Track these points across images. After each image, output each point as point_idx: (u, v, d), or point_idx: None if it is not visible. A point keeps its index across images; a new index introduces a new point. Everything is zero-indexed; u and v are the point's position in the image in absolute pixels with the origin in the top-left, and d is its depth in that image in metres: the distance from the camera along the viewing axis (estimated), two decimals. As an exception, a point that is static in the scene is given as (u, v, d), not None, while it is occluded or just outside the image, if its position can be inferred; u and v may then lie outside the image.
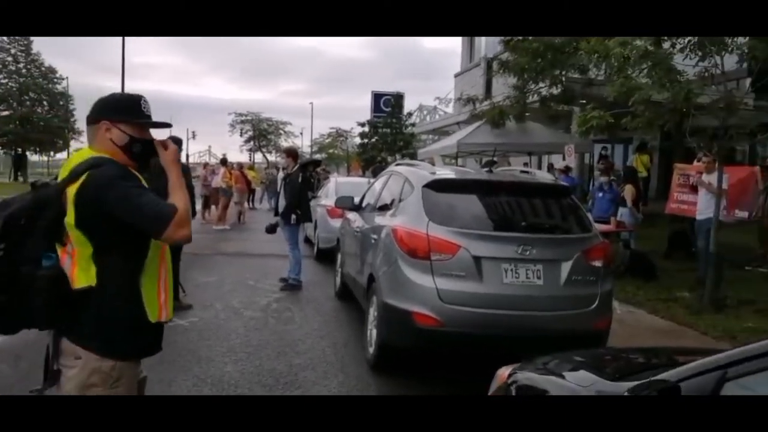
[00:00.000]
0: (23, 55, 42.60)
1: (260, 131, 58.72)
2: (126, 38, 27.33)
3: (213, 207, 16.33)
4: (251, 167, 28.15)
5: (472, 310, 4.23)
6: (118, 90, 27.80)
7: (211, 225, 15.02)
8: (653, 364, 2.46)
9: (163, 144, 2.21)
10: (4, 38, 40.89)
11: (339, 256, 7.43)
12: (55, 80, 44.91)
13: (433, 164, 9.37)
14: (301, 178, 7.95)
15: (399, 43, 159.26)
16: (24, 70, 42.91)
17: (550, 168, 15.94)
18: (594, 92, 11.32)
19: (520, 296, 4.32)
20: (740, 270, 8.90)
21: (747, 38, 6.55)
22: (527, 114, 13.25)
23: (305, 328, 6.06)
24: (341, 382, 4.62)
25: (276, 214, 8.40)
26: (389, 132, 31.22)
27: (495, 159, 11.86)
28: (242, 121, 58.11)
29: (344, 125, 64.19)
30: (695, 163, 9.32)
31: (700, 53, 6.75)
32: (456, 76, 25.46)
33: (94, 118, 2.15)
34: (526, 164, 15.52)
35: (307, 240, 10.79)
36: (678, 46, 6.90)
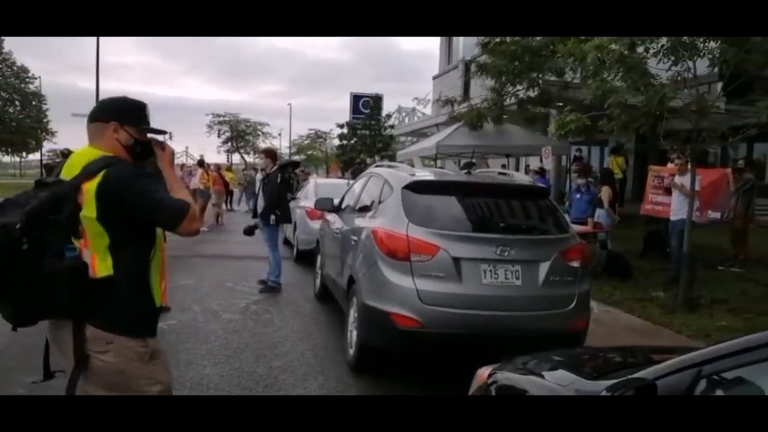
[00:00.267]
0: (-6, 54, 41.78)
1: (238, 132, 58.30)
2: (100, 38, 26.92)
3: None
4: (229, 168, 27.94)
5: (452, 310, 4.25)
6: (93, 89, 27.51)
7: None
8: (630, 362, 2.51)
9: (161, 146, 2.41)
10: (-26, 38, 40.09)
11: (319, 258, 7.42)
12: (28, 80, 44.08)
13: (413, 166, 9.39)
14: (280, 179, 7.91)
15: (376, 45, 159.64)
16: (-5, 70, 42.08)
17: (527, 170, 16.12)
18: (570, 95, 11.46)
19: (499, 297, 4.36)
20: (713, 270, 9.08)
21: (718, 43, 6.70)
22: (505, 116, 13.35)
23: (285, 330, 6.04)
24: (321, 384, 4.61)
25: (254, 215, 8.34)
26: (368, 133, 31.23)
27: (473, 161, 11.95)
28: (220, 122, 57.63)
29: (323, 126, 64.23)
30: (669, 165, 9.49)
31: (673, 57, 6.87)
32: (434, 78, 25.57)
33: (104, 118, 2.31)
34: (504, 166, 15.65)
35: (287, 242, 10.74)
36: (652, 51, 7.01)
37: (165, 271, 2.37)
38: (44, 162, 38.99)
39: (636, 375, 1.89)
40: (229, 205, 21.62)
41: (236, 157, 59.01)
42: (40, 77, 44.87)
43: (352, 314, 4.98)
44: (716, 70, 7.43)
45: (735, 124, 8.02)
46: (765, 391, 1.67)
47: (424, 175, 5.31)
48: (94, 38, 27.15)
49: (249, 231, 8.27)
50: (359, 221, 5.37)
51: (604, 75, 7.25)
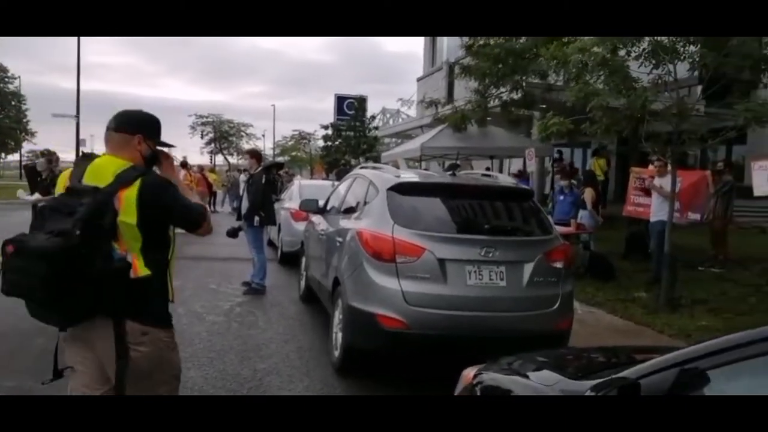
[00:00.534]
0: (-29, 53, 41.14)
1: (221, 133, 57.92)
2: (82, 38, 26.62)
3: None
4: (212, 170, 27.77)
5: (437, 311, 4.27)
6: (74, 90, 27.20)
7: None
8: (614, 362, 2.53)
9: (166, 156, 2.68)
10: (-48, 36, 39.37)
11: (303, 260, 7.40)
12: (7, 79, 43.46)
13: (398, 167, 9.41)
14: (265, 180, 7.88)
15: (360, 47, 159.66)
16: (-28, 69, 41.45)
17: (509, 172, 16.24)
18: (553, 97, 11.57)
19: (484, 298, 4.38)
20: (693, 270, 9.21)
21: (698, 47, 6.80)
22: (489, 118, 13.43)
23: (269, 332, 6.01)
24: (307, 386, 4.60)
25: (239, 217, 8.30)
26: (353, 135, 31.21)
27: (458, 162, 12.00)
28: (203, 123, 57.22)
29: (307, 128, 63.88)
30: (650, 167, 9.61)
31: (654, 61, 6.97)
32: (419, 80, 25.64)
33: (131, 131, 2.52)
34: (488, 168, 15.74)
35: (271, 243, 10.70)
36: (633, 54, 7.10)
37: (173, 271, 2.62)
38: (24, 163, 38.45)
39: (619, 375, 1.92)
40: (212, 207, 21.47)
41: (219, 159, 58.66)
42: (19, 77, 44.32)
43: (338, 316, 4.97)
44: (696, 73, 7.55)
45: (714, 126, 8.14)
46: (744, 390, 1.70)
47: (410, 176, 5.33)
48: (75, 38, 26.85)
49: (233, 233, 8.20)
50: (344, 223, 5.37)
51: (586, 78, 7.32)
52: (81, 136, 28.73)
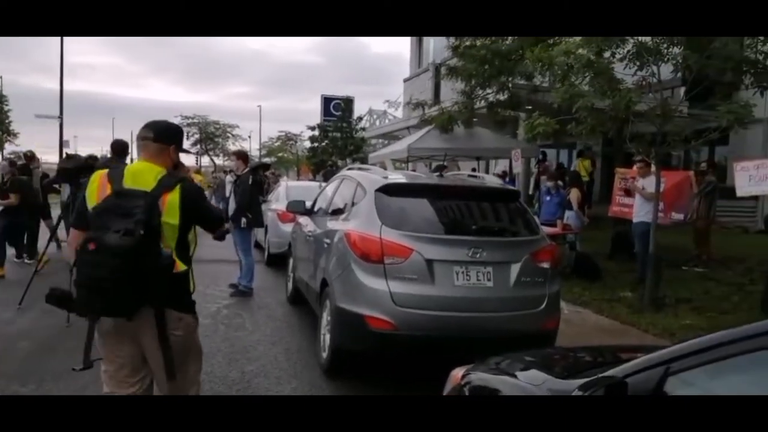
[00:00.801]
0: (-48, 52, 40.48)
1: (207, 134, 57.52)
2: (65, 38, 26.33)
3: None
4: (198, 171, 27.55)
5: (425, 312, 4.28)
6: (57, 90, 26.86)
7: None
8: (600, 361, 2.56)
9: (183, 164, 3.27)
10: (-68, 35, 38.75)
11: (291, 261, 7.38)
12: (-12, 80, 42.80)
13: (385, 168, 9.42)
14: (252, 181, 7.85)
15: (347, 48, 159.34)
16: (-47, 69, 40.79)
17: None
18: (539, 99, 11.63)
19: (472, 298, 4.40)
20: (677, 270, 9.32)
21: (681, 49, 6.89)
22: (475, 119, 13.47)
23: (257, 334, 5.99)
24: (295, 387, 4.60)
25: (226, 219, 8.26)
26: (339, 136, 31.16)
27: (445, 163, 12.03)
28: (188, 124, 56.72)
29: (293, 129, 63.76)
30: (635, 167, 9.72)
31: (638, 63, 7.05)
32: (405, 81, 25.65)
33: (167, 141, 2.86)
34: (474, 169, 15.79)
35: (257, 245, 10.66)
36: (618, 56, 7.17)
37: None
38: (6, 164, 37.76)
39: (606, 373, 1.94)
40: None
41: (205, 160, 58.29)
42: (1, 77, 43.68)
43: (325, 317, 4.97)
44: (679, 75, 7.63)
45: (697, 127, 8.25)
46: (728, 387, 1.73)
47: (397, 177, 5.34)
48: (58, 38, 26.55)
49: (220, 235, 8.13)
50: (332, 224, 5.36)
51: (572, 79, 7.38)
52: (64, 137, 28.38)
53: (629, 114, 6.90)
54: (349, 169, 6.80)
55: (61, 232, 8.76)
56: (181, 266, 2.70)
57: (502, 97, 12.37)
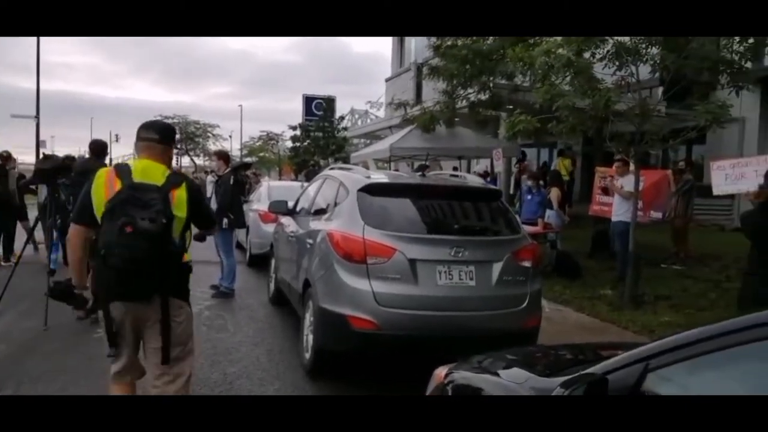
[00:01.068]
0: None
1: (187, 134, 56.90)
2: (41, 37, 25.91)
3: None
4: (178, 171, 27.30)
5: (408, 312, 4.29)
6: (33, 90, 26.47)
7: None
8: (581, 359, 2.58)
9: None
10: None
11: (273, 262, 7.34)
12: (-38, 79, 41.98)
13: (367, 168, 9.42)
14: (233, 181, 7.80)
15: (328, 47, 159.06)
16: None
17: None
18: (520, 98, 11.70)
19: (454, 297, 4.42)
20: (656, 267, 9.44)
21: (659, 49, 6.98)
22: (456, 119, 13.53)
23: (239, 335, 5.96)
24: (277, 389, 4.58)
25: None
26: (321, 136, 31.06)
27: (427, 163, 12.05)
28: (169, 124, 56.15)
29: (275, 128, 63.29)
30: (614, 166, 9.82)
31: (617, 62, 7.13)
32: (387, 80, 25.65)
33: (171, 143, 3.17)
34: (456, 168, 15.85)
35: (239, 245, 10.59)
36: (597, 56, 7.25)
37: None
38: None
39: (587, 371, 1.96)
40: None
41: (186, 160, 57.73)
42: (-25, 77, 42.86)
43: (308, 318, 4.96)
44: (657, 75, 7.74)
45: (675, 127, 8.36)
46: (705, 383, 1.76)
47: (380, 177, 5.34)
48: (35, 38, 26.11)
49: (200, 236, 8.06)
50: (314, 224, 5.35)
51: (552, 79, 7.44)
52: (41, 137, 27.93)
53: (609, 113, 6.98)
54: (332, 168, 6.79)
55: (38, 233, 8.64)
56: (187, 256, 2.99)
57: (483, 96, 12.43)
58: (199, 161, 55.12)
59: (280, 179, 27.62)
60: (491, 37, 11.23)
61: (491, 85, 12.15)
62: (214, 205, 7.82)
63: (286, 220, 6.71)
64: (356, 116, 30.90)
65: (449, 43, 12.13)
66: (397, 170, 12.91)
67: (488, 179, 13.42)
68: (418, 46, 21.08)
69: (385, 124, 18.90)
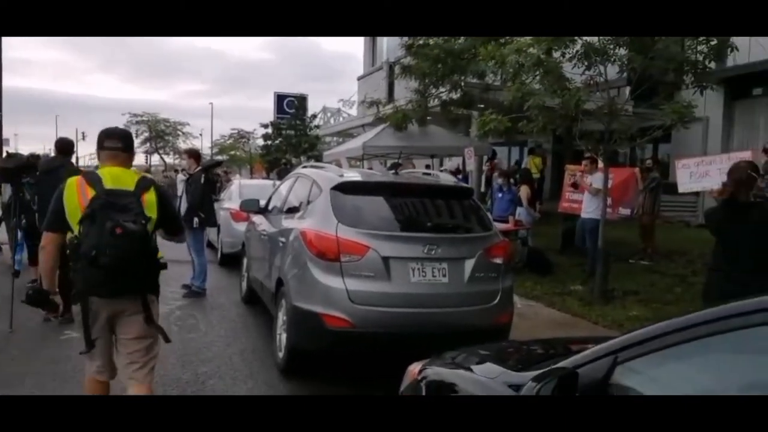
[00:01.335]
0: None
1: (157, 132, 56.02)
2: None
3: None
4: (148, 170, 26.92)
5: (382, 309, 4.30)
6: (-4, 87, 25.69)
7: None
8: (552, 353, 2.62)
9: None
10: None
11: (245, 261, 7.29)
12: None
13: (340, 166, 9.40)
14: (204, 180, 7.71)
15: (299, 45, 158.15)
16: None
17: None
18: (491, 97, 11.82)
19: (427, 294, 4.45)
20: (625, 263, 9.62)
21: (626, 50, 7.11)
22: (429, 118, 13.59)
23: (211, 335, 5.90)
24: (250, 388, 4.55)
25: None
26: (293, 134, 30.86)
27: (400, 161, 12.08)
28: (137, 122, 55.13)
29: (246, 126, 62.73)
30: (583, 164, 9.99)
31: (586, 62, 7.24)
32: (359, 79, 25.63)
33: (132, 150, 3.35)
34: (428, 166, 15.92)
35: (210, 245, 10.47)
36: (567, 55, 7.36)
37: None
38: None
39: (558, 365, 1.99)
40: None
41: (155, 158, 56.84)
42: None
43: (281, 317, 4.93)
44: (625, 75, 7.88)
45: (642, 126, 8.54)
46: (670, 374, 1.81)
47: (353, 175, 5.34)
48: (-3, 31, 25.42)
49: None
50: (287, 223, 5.33)
51: (523, 78, 7.53)
52: (4, 135, 27.20)
53: (578, 112, 7.09)
54: (304, 167, 6.76)
55: (2, 234, 8.42)
56: (161, 254, 3.15)
57: (455, 95, 12.52)
58: (169, 159, 54.34)
59: (251, 177, 27.39)
60: (463, 37, 11.30)
61: (463, 84, 12.24)
62: (185, 204, 7.73)
63: (257, 218, 6.67)
64: (329, 114, 30.81)
65: (421, 42, 12.18)
66: (370, 168, 12.91)
67: (460, 177, 13.52)
68: (389, 44, 21.12)
69: (358, 123, 18.90)
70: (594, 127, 7.94)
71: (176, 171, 23.55)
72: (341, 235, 4.38)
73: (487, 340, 3.43)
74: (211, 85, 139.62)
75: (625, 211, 9.70)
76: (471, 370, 2.52)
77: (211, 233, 10.31)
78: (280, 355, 4.88)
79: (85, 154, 53.82)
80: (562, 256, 10.42)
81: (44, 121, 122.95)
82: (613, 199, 8.90)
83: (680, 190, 7.28)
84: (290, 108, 31.49)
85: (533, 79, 7.56)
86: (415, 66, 12.19)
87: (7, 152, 12.83)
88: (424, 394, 2.64)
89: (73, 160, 7.05)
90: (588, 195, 8.81)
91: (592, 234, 8.34)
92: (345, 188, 4.79)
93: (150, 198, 3.09)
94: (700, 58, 7.27)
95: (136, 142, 56.71)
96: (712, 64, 7.62)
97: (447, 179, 6.01)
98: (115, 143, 3.21)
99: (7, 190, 7.72)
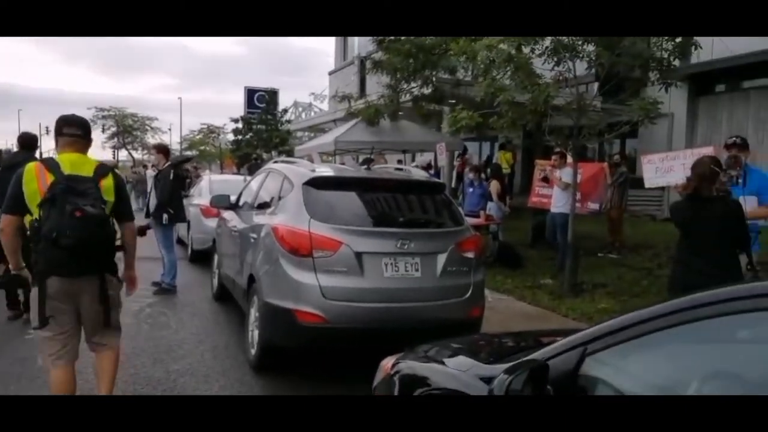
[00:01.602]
0: None
1: (125, 127, 54.98)
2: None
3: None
4: (115, 165, 26.40)
5: (355, 305, 4.31)
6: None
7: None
8: (523, 346, 2.66)
9: None
10: None
11: (216, 257, 7.22)
12: None
13: (312, 161, 9.35)
14: (173, 176, 7.60)
15: (269, 40, 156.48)
16: None
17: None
18: (462, 92, 11.88)
19: (400, 289, 4.47)
20: (593, 257, 9.80)
21: (595, 46, 7.22)
22: (400, 113, 13.61)
23: (182, 332, 5.83)
24: (223, 385, 4.52)
25: (147, 215, 7.97)
26: (264, 128, 30.55)
27: (372, 157, 12.09)
28: (104, 117, 53.99)
29: (216, 121, 61.99)
30: (552, 159, 10.12)
31: (555, 58, 7.33)
32: (330, 73, 25.56)
33: (90, 136, 3.53)
34: (400, 161, 15.95)
35: (180, 241, 10.34)
36: (537, 51, 7.44)
37: None
38: None
39: (529, 357, 2.03)
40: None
41: (123, 154, 55.78)
42: None
43: (253, 313, 4.90)
44: (593, 71, 8.00)
45: (610, 121, 8.68)
46: (636, 364, 1.85)
47: (325, 171, 5.32)
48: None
49: (140, 231, 7.82)
50: (258, 218, 5.29)
51: (493, 74, 7.58)
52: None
53: (548, 108, 7.17)
54: (276, 162, 6.71)
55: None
56: (119, 236, 3.43)
57: (426, 90, 12.54)
58: (138, 155, 53.41)
59: (221, 173, 27.07)
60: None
61: (434, 79, 12.27)
62: (154, 200, 7.62)
63: (228, 214, 6.60)
64: (300, 109, 30.58)
65: (392, 37, 12.17)
66: (342, 164, 12.88)
67: (431, 172, 13.58)
68: (360, 39, 21.10)
69: (329, 118, 18.82)
70: (563, 122, 8.05)
71: (145, 166, 23.18)
72: (314, 231, 4.37)
73: (459, 334, 3.46)
74: (180, 80, 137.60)
75: (594, 206, 9.87)
76: (443, 363, 2.54)
77: (181, 229, 10.19)
78: (253, 351, 4.86)
79: (49, 149, 52.50)
80: (532, 250, 10.56)
81: (6, 116, 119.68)
82: (582, 193, 9.05)
83: (646, 185, 7.43)
84: (261, 102, 31.19)
85: (504, 74, 7.63)
86: (387, 61, 12.19)
87: (-33, 147, 12.44)
88: (397, 388, 2.65)
89: (37, 154, 6.87)
90: (558, 190, 8.93)
91: (562, 228, 8.46)
92: (317, 183, 4.77)
93: (108, 183, 3.34)
94: (665, 56, 7.42)
95: (103, 137, 55.54)
96: (677, 62, 7.78)
97: (419, 174, 6.03)
98: (74, 130, 3.39)
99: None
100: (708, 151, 6.11)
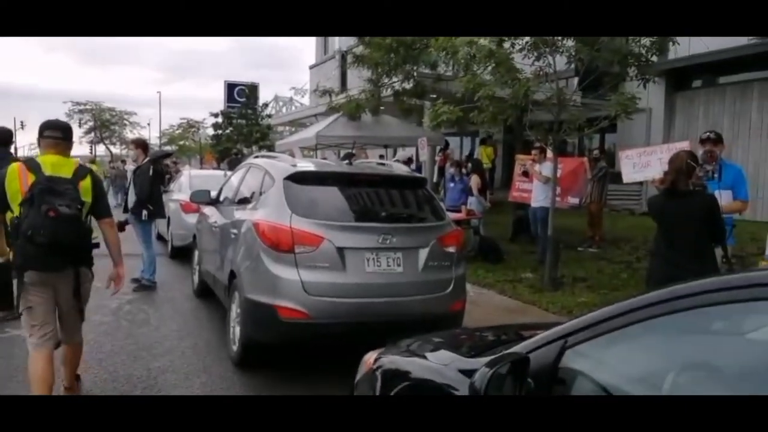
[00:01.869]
0: None
1: (102, 122, 54.15)
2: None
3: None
4: (93, 161, 26.05)
5: (338, 300, 4.31)
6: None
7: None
8: (504, 339, 2.68)
9: None
10: None
11: (196, 253, 7.16)
12: None
13: (293, 156, 9.31)
14: (152, 171, 7.51)
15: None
16: None
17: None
18: (443, 87, 11.90)
19: (383, 284, 4.47)
20: (573, 251, 9.90)
21: (574, 42, 7.29)
22: (382, 108, 13.60)
23: (163, 329, 5.78)
24: (204, 382, 4.49)
25: (125, 210, 7.86)
26: (245, 123, 30.32)
27: (353, 151, 12.07)
28: (80, 111, 53.11)
29: (196, 116, 61.41)
30: (532, 153, 10.19)
31: (535, 53, 7.38)
32: (311, 67, 25.42)
33: (71, 139, 3.75)
34: (381, 156, 15.95)
35: (160, 237, 10.24)
36: (517, 47, 7.48)
37: None
38: None
39: (510, 350, 2.04)
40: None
41: (101, 149, 54.98)
42: None
43: (234, 309, 4.88)
44: (573, 66, 8.06)
45: (590, 116, 8.76)
46: (616, 356, 1.88)
47: (306, 165, 5.29)
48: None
49: (119, 227, 7.73)
50: (239, 214, 5.25)
51: (474, 69, 7.61)
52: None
53: (528, 102, 7.23)
54: (256, 157, 6.67)
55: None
56: (94, 235, 3.61)
57: (407, 85, 12.55)
58: (116, 150, 52.68)
59: (201, 168, 26.83)
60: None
61: (415, 74, 12.28)
62: (132, 196, 7.53)
63: (208, 210, 6.55)
64: (280, 103, 30.41)
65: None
66: (324, 158, 12.84)
67: (412, 167, 13.60)
68: (342, 33, 20.98)
69: (311, 112, 18.73)
70: (543, 117, 8.11)
71: (123, 162, 22.89)
72: (295, 226, 4.35)
73: (441, 328, 3.47)
74: (159, 73, 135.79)
75: (574, 200, 9.97)
76: (425, 357, 2.55)
77: (161, 225, 10.08)
78: (234, 348, 4.83)
79: (25, 144, 51.60)
80: (513, 244, 10.63)
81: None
82: (562, 188, 9.13)
83: (624, 180, 7.51)
84: (241, 97, 30.91)
85: (484, 70, 7.66)
86: (368, 55, 12.16)
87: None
88: (379, 382, 2.65)
89: (12, 150, 6.75)
90: (538, 184, 9.00)
91: (542, 222, 8.53)
92: (298, 178, 4.75)
93: (86, 184, 3.56)
94: (643, 51, 7.51)
95: (80, 131, 54.69)
96: (655, 58, 7.88)
97: (401, 169, 6.04)
98: (56, 133, 3.62)
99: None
100: (684, 145, 6.19)
